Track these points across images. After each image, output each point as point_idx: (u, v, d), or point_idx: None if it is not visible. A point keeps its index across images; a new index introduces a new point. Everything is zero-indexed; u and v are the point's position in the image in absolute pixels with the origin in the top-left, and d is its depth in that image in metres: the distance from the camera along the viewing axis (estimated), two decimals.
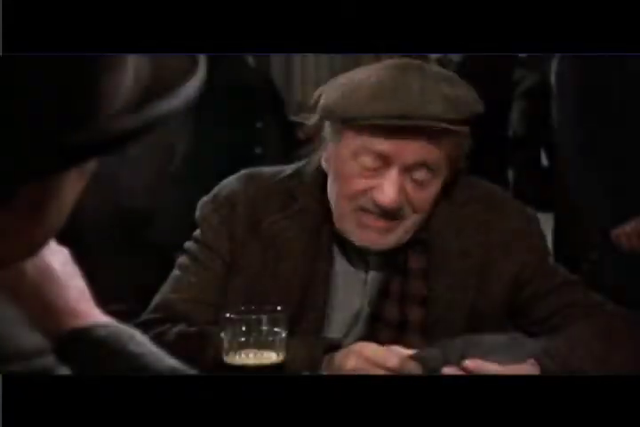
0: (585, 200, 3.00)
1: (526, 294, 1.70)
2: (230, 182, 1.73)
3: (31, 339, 0.71)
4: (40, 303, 0.91)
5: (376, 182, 1.58)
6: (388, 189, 1.57)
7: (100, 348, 0.90)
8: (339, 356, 1.53)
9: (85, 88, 0.68)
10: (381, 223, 1.60)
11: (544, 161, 4.36)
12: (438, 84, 1.57)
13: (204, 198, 1.73)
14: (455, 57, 3.56)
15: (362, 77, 1.60)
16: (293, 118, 3.12)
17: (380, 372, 1.49)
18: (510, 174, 4.11)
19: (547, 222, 4.46)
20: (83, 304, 0.94)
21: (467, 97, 1.59)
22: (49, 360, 0.72)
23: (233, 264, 1.67)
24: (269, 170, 1.76)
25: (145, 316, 1.68)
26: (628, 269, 2.89)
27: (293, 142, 3.20)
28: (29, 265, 0.91)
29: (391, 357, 1.50)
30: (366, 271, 1.69)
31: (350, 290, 1.68)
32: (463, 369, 1.50)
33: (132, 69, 0.73)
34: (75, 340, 0.90)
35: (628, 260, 2.88)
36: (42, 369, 0.71)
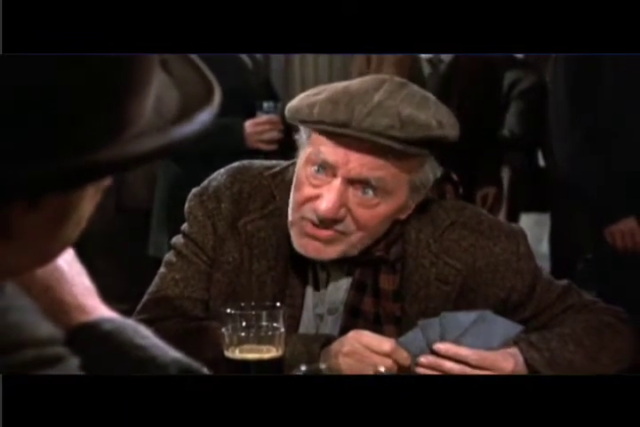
0: (581, 200, 3.01)
1: (519, 316, 1.70)
2: (219, 176, 1.73)
3: (45, 328, 0.75)
4: (49, 300, 0.94)
5: (320, 191, 1.58)
6: (326, 198, 1.55)
7: (106, 341, 0.93)
8: (335, 344, 1.57)
9: (111, 109, 0.72)
10: (322, 233, 1.58)
11: (540, 161, 4.38)
12: (402, 104, 1.54)
13: (194, 190, 1.74)
14: (446, 57, 3.58)
15: (337, 84, 1.61)
16: (290, 121, 3.13)
17: (373, 357, 1.54)
18: (507, 175, 4.12)
19: (544, 222, 4.49)
20: (89, 300, 0.97)
21: (425, 120, 1.53)
22: (61, 349, 0.75)
23: (215, 259, 1.69)
24: (259, 165, 1.76)
25: (134, 317, 1.66)
26: (622, 268, 2.90)
27: (294, 144, 3.21)
28: None
29: (385, 342, 1.55)
30: (327, 282, 1.69)
31: (317, 293, 1.70)
32: (436, 351, 1.56)
33: (153, 96, 0.76)
34: (82, 334, 0.93)
35: (622, 259, 2.90)
36: (54, 357, 0.73)
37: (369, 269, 1.67)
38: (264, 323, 1.49)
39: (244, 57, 3.33)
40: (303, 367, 1.12)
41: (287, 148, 3.14)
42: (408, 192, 1.61)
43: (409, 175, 1.59)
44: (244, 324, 1.48)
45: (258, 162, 1.78)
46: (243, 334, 1.48)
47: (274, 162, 1.78)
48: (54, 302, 0.94)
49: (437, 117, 1.55)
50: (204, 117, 0.75)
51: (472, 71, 3.52)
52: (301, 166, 1.61)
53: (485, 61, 3.60)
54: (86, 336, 0.92)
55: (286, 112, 1.62)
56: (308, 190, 1.59)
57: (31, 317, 0.74)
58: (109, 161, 0.70)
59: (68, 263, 0.97)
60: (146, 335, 0.95)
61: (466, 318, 1.59)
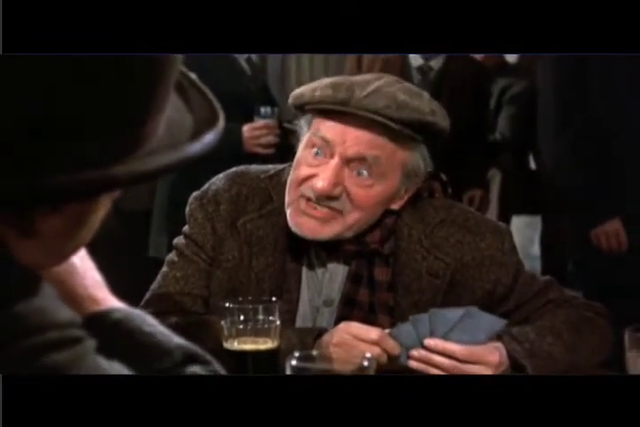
0: (570, 202, 3.05)
1: (503, 308, 1.79)
2: (218, 180, 1.83)
3: (65, 312, 0.82)
4: (63, 291, 1.01)
5: (317, 171, 1.68)
6: (322, 177, 1.65)
7: (116, 328, 1.01)
8: (326, 335, 1.65)
9: (130, 128, 0.80)
10: (318, 212, 1.67)
11: (532, 164, 4.42)
12: (398, 91, 1.65)
13: (195, 194, 1.83)
14: (435, 65, 3.63)
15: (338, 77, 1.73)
16: (286, 125, 3.19)
17: (362, 346, 1.61)
18: (498, 177, 4.17)
19: (535, 224, 4.54)
20: (99, 292, 1.05)
21: (419, 106, 1.64)
22: (79, 331, 0.82)
23: (215, 258, 1.78)
24: (256, 169, 1.86)
25: None
26: (608, 268, 2.93)
27: (290, 148, 3.25)
28: None
29: (372, 331, 1.63)
30: (323, 275, 1.78)
31: (313, 287, 1.79)
32: (425, 347, 1.63)
33: (166, 118, 0.84)
34: (94, 322, 0.99)
35: (608, 260, 2.94)
36: (73, 338, 0.81)
37: (364, 261, 1.76)
38: (261, 316, 1.57)
39: (242, 62, 3.37)
40: (297, 354, 1.18)
41: (284, 152, 3.19)
42: (401, 177, 1.70)
43: (402, 159, 1.68)
44: (241, 317, 1.56)
45: (255, 167, 1.87)
46: (241, 326, 1.56)
47: (270, 166, 1.87)
48: (68, 294, 1.01)
49: (430, 106, 1.66)
50: (210, 139, 0.84)
51: (461, 78, 3.58)
52: (301, 150, 1.71)
53: (474, 68, 3.67)
54: (98, 324, 0.99)
55: (290, 99, 1.72)
56: (306, 170, 1.69)
57: (53, 302, 0.81)
58: (123, 176, 0.78)
59: (80, 259, 1.04)
60: (152, 323, 1.03)
61: (453, 314, 1.66)
